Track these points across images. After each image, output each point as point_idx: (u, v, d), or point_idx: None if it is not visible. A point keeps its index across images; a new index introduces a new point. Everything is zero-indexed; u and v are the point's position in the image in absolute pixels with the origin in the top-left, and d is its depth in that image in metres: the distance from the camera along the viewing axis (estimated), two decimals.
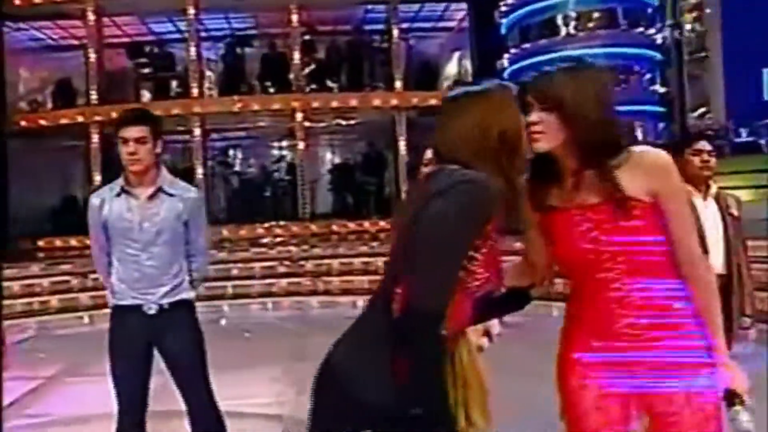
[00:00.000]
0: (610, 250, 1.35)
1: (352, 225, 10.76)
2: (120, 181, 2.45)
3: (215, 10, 11.47)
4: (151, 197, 2.42)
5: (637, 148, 1.38)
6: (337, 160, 13.17)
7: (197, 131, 10.99)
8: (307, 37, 11.46)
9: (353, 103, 11.23)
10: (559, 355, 1.50)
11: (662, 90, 12.58)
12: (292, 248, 9.75)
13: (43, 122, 10.87)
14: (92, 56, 10.76)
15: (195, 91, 10.97)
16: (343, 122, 12.39)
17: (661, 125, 12.53)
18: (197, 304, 2.57)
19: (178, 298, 2.45)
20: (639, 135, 11.30)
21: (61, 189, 11.68)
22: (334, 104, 11.26)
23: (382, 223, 10.14)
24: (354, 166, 12.33)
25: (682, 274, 1.38)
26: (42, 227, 11.04)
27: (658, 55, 12.30)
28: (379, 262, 8.84)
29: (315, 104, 11.23)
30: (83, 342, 6.30)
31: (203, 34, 11.82)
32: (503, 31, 12.54)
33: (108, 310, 2.50)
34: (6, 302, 8.21)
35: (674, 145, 3.90)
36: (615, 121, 1.38)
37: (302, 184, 11.28)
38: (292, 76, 11.22)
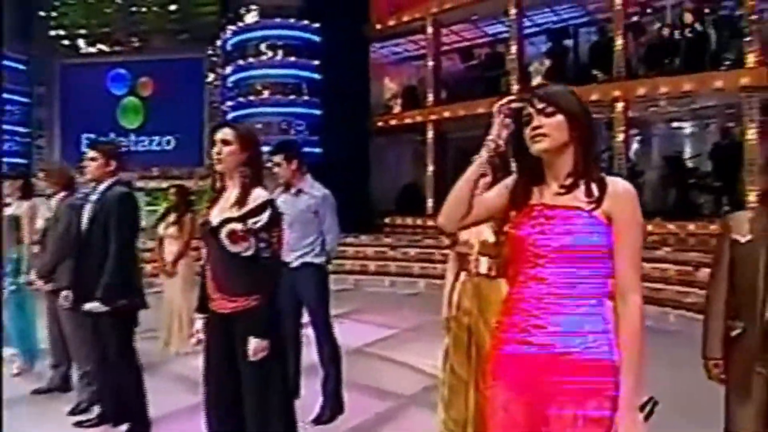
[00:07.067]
0: (554, 247, 1.39)
1: (671, 227, 9.57)
2: None
3: (541, 6, 11.74)
4: None
5: (608, 177, 1.46)
6: (668, 153, 11.67)
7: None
8: (635, 19, 10.53)
9: (687, 87, 9.81)
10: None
11: None
12: None
13: (393, 122, 13.24)
14: (429, 64, 12.49)
15: (515, 88, 11.49)
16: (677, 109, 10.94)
17: None
18: None
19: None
20: None
21: (402, 177, 14.01)
22: (664, 90, 10.07)
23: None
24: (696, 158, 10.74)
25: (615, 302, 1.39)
26: (389, 207, 13.49)
27: None
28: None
29: (640, 92, 10.31)
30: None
31: (534, 29, 12.25)
32: None
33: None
34: (361, 262, 10.69)
35: None
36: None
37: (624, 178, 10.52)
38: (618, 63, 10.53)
